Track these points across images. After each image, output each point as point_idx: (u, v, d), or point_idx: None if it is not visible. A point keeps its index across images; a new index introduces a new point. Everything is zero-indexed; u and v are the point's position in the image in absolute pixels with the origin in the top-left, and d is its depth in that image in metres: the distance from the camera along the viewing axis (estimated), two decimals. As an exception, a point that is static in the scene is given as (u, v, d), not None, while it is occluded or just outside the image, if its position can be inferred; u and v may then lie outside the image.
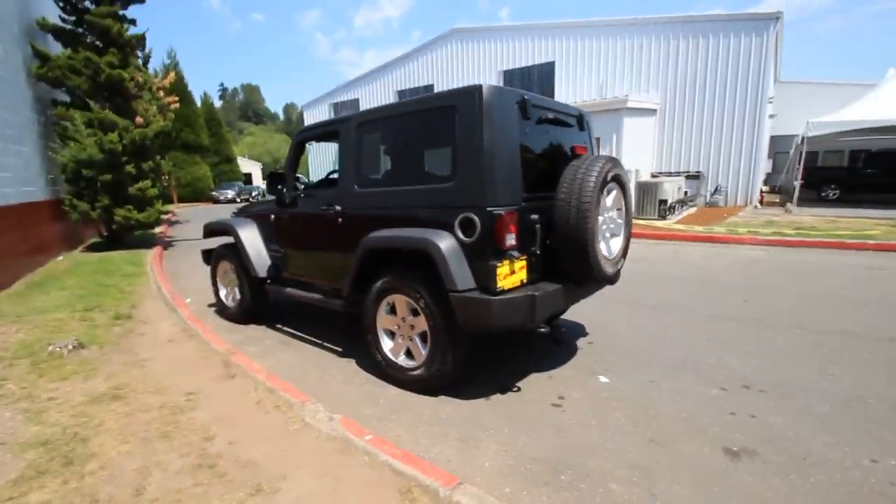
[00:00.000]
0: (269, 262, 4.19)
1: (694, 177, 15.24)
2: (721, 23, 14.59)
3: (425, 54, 22.08)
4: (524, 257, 2.64)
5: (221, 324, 4.50)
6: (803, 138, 12.72)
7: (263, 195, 25.28)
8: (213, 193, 27.48)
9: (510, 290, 2.56)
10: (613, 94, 16.81)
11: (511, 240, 2.52)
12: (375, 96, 24.31)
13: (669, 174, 15.12)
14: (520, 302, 2.53)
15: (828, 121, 12.37)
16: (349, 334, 4.06)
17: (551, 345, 3.67)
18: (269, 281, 4.19)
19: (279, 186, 3.77)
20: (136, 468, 2.12)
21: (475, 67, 20.60)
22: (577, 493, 1.96)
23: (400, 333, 3.01)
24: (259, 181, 50.32)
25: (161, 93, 12.05)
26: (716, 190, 14.81)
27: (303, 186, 4.06)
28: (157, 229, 11.20)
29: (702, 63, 15.08)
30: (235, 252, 4.35)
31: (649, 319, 4.23)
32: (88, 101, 8.76)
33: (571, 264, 2.75)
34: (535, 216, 2.67)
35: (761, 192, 15.01)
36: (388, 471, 2.02)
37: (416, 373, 2.88)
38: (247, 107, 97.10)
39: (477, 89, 2.53)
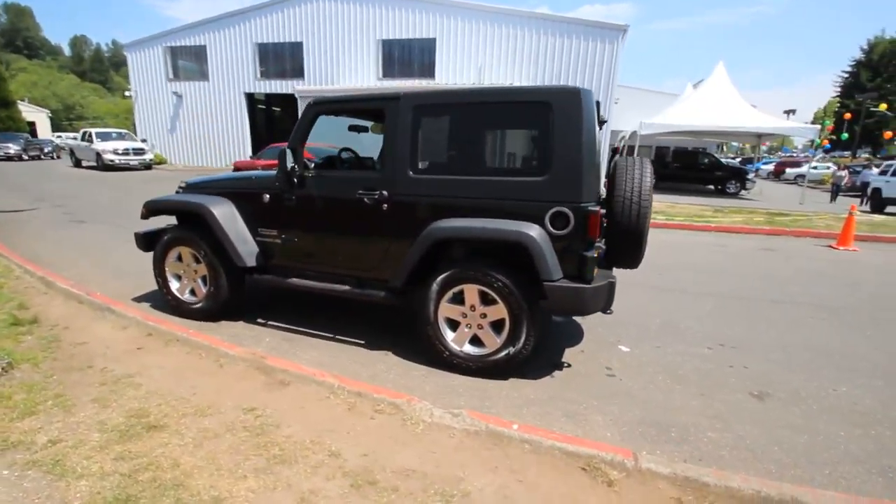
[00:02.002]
0: (255, 249, 3.64)
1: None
2: (583, 26, 16.62)
3: (293, 6, 20.02)
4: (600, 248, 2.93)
5: (184, 323, 3.75)
6: (633, 134, 15.53)
7: (70, 152, 19.99)
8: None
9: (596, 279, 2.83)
10: (491, 79, 17.82)
11: (598, 233, 2.78)
12: (230, 46, 21.21)
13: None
14: (604, 289, 2.83)
15: (656, 122, 15.33)
16: (359, 325, 3.85)
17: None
18: (256, 271, 3.65)
19: (292, 164, 3.29)
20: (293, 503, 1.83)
21: (351, 31, 19.55)
22: (694, 446, 2.39)
23: (466, 322, 3.04)
24: (47, 132, 39.53)
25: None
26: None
27: (313, 165, 3.59)
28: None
29: (566, 60, 17.01)
30: (206, 237, 3.65)
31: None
32: None
33: (628, 253, 3.14)
34: (604, 210, 2.97)
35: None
36: (558, 454, 2.15)
37: (493, 358, 2.97)
38: (13, 34, 74.09)
39: (577, 91, 2.68)
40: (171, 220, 4.14)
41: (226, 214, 3.61)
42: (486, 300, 2.97)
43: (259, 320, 3.92)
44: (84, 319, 3.71)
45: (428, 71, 19.13)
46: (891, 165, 13.60)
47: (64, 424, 2.31)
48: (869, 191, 13.94)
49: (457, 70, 18.53)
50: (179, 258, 3.87)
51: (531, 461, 2.14)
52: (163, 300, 4.04)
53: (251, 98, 22.39)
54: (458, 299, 3.02)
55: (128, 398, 2.57)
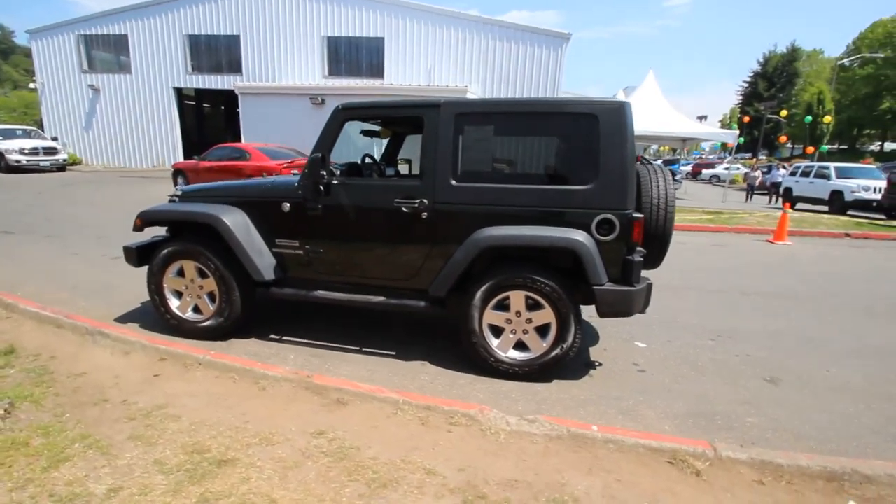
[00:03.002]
0: (273, 261, 3.43)
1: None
2: (528, 33, 17.22)
3: (229, -2, 18.82)
4: (636, 251, 3.10)
5: (193, 343, 3.44)
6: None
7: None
8: None
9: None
10: (440, 81, 17.93)
11: (641, 238, 2.94)
12: (156, 37, 19.55)
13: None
14: (645, 290, 2.99)
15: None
16: (380, 335, 3.76)
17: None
18: (273, 284, 3.44)
19: (321, 172, 3.13)
20: (417, 527, 1.77)
21: (294, 26, 18.79)
22: (741, 431, 2.60)
23: (511, 329, 3.08)
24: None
25: None
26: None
27: (338, 172, 3.43)
28: None
29: (514, 65, 17.54)
30: (215, 249, 3.38)
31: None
32: None
33: (653, 255, 3.34)
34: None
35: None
36: (642, 451, 2.26)
37: (541, 361, 3.03)
38: None
39: (623, 105, 2.82)
40: (155, 232, 3.80)
41: (239, 225, 3.36)
42: (530, 305, 3.03)
43: (272, 336, 3.69)
44: (71, 346, 3.29)
45: (377, 71, 18.86)
46: (799, 167, 15.53)
47: (112, 469, 2.05)
48: (781, 190, 15.79)
49: (406, 71, 18.44)
50: (180, 273, 3.55)
51: (619, 460, 2.23)
52: (155, 319, 3.69)
53: (181, 93, 20.76)
54: (503, 306, 3.06)
55: (172, 433, 2.33)
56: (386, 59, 18.60)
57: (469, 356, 3.17)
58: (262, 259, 3.38)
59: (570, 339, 2.96)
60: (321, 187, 3.21)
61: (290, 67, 19.05)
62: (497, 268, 3.01)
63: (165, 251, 3.48)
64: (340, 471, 2.07)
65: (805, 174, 14.89)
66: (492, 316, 3.07)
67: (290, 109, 16.37)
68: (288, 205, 3.33)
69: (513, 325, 3.07)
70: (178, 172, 12.16)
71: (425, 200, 3.06)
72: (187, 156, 18.60)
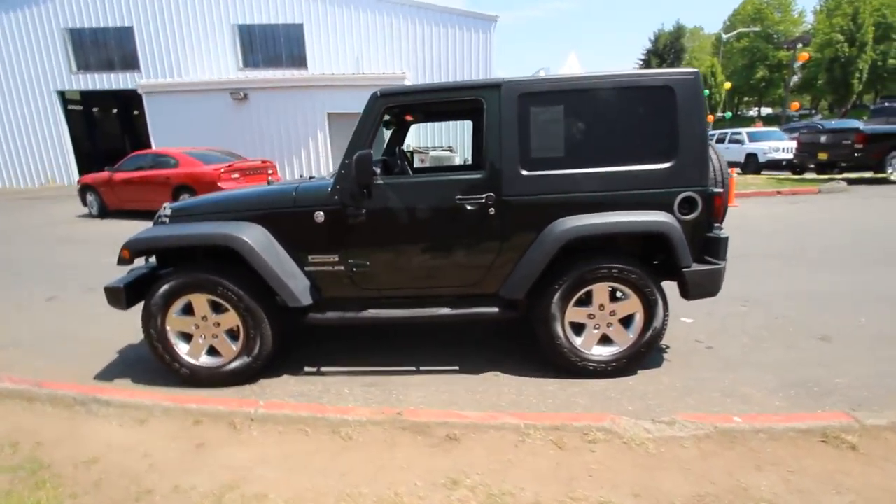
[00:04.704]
0: (307, 282, 2.91)
1: (448, 149, 17.63)
2: (457, 16, 16.97)
3: (116, -16, 16.44)
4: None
5: (216, 393, 2.84)
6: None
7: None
8: None
9: None
10: (370, 69, 17.18)
11: (722, 214, 2.84)
12: (27, 33, 16.59)
13: (434, 148, 16.95)
14: (725, 268, 2.90)
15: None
16: (429, 349, 3.39)
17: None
18: (310, 310, 2.92)
19: (370, 171, 2.66)
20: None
21: (196, 14, 16.95)
22: (841, 394, 2.61)
23: (595, 324, 2.87)
24: None
25: None
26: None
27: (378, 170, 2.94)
28: None
29: (444, 49, 17.23)
30: (236, 276, 2.79)
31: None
32: None
33: None
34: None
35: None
36: (793, 434, 2.16)
37: (631, 352, 2.84)
38: None
39: (696, 74, 2.68)
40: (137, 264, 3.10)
41: (263, 244, 2.79)
42: (615, 297, 2.85)
43: (307, 370, 3.17)
44: (58, 424, 2.55)
45: (298, 60, 17.60)
46: (713, 135, 16.96)
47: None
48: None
49: (332, 59, 17.40)
50: (187, 310, 2.90)
51: (776, 449, 2.12)
52: (151, 369, 3.04)
53: (65, 98, 17.91)
54: (584, 301, 2.84)
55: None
56: (308, 47, 17.39)
57: (550, 360, 2.93)
58: (296, 282, 2.84)
59: (661, 323, 2.82)
60: (364, 190, 2.75)
61: (198, 61, 17.15)
62: (570, 261, 2.76)
63: (167, 286, 2.81)
64: (511, 523, 1.74)
65: (720, 140, 16.30)
66: (573, 313, 2.84)
67: (208, 107, 14.77)
68: (322, 213, 2.81)
69: (596, 319, 2.86)
70: (86, 189, 10.41)
71: (492, 194, 2.73)
72: (83, 169, 16.12)
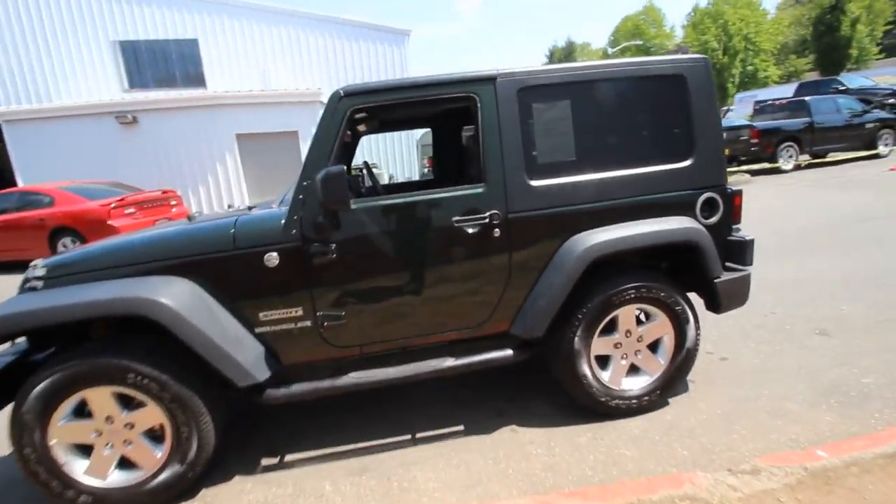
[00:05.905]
0: (260, 349, 2.17)
1: (373, 166, 16.94)
2: (368, 30, 16.47)
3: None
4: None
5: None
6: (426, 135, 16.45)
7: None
8: None
9: None
10: (278, 85, 16.05)
11: (741, 215, 2.57)
12: None
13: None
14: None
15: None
16: (413, 409, 2.76)
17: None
18: (265, 386, 2.17)
19: (340, 193, 1.99)
20: None
21: (67, 31, 14.76)
22: (878, 396, 2.42)
23: (621, 353, 2.44)
24: None
25: None
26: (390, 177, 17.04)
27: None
28: None
29: (358, 63, 16.64)
30: (155, 355, 1.98)
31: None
32: None
33: None
34: None
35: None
36: (882, 462, 1.86)
37: (667, 377, 2.44)
38: None
39: (706, 60, 2.39)
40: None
41: (192, 305, 2.00)
42: (642, 320, 2.46)
43: (266, 462, 2.39)
44: None
45: (195, 79, 15.90)
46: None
47: None
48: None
49: (235, 76, 15.94)
50: (81, 412, 2.01)
51: (873, 483, 1.80)
52: (39, 498, 2.08)
53: None
54: (608, 328, 2.41)
55: None
56: (205, 64, 15.79)
57: (575, 401, 2.46)
58: (245, 351, 2.09)
59: (693, 344, 2.46)
60: (333, 219, 2.09)
61: (73, 82, 14.81)
62: (588, 284, 2.31)
63: (46, 382, 1.91)
64: None
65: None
66: (599, 345, 2.39)
67: (89, 134, 12.70)
68: (275, 255, 2.10)
69: (622, 348, 2.44)
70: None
71: (497, 212, 2.20)
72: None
